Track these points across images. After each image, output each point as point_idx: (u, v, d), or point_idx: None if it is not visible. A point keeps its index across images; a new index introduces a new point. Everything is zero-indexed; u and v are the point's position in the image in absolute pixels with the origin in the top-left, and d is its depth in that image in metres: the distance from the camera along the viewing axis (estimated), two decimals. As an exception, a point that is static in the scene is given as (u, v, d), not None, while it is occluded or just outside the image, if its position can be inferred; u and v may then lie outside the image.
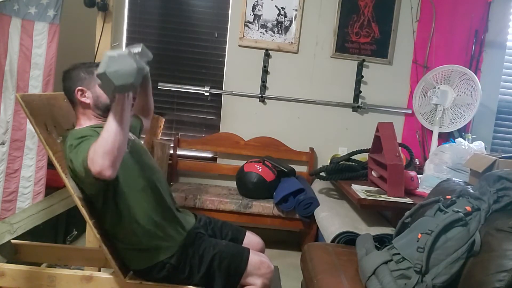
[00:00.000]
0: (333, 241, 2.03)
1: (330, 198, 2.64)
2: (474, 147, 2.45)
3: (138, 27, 3.09)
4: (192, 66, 3.15)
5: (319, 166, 3.05)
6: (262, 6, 3.04)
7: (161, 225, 1.42)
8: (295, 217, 2.68)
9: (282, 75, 3.12)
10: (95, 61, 1.45)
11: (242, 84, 3.11)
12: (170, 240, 1.42)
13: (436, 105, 2.87)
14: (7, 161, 2.18)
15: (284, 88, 3.13)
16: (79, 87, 1.40)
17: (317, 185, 2.90)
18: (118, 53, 1.14)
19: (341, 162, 2.54)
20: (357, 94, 3.14)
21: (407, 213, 1.65)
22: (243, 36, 3.06)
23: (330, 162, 2.69)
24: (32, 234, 1.85)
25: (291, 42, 3.08)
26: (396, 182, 2.08)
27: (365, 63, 3.10)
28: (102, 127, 1.20)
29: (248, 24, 3.05)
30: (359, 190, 2.17)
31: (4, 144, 2.17)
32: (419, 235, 1.41)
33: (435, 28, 3.06)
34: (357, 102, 3.15)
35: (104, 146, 1.13)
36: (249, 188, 2.77)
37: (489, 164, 1.88)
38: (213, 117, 3.21)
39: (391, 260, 1.45)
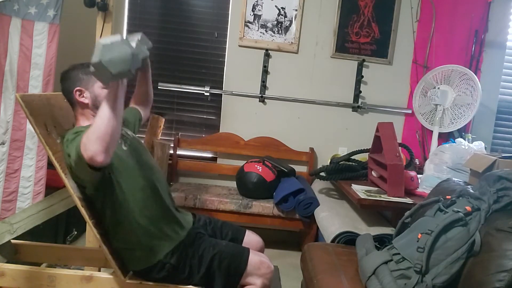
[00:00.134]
0: (333, 241, 2.03)
1: (330, 198, 2.64)
2: (474, 147, 2.45)
3: (138, 27, 3.09)
4: (192, 66, 3.15)
5: (319, 166, 3.05)
6: (262, 6, 3.04)
7: (159, 225, 1.42)
8: (295, 217, 2.68)
9: (282, 75, 3.12)
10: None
11: (242, 84, 3.11)
12: (168, 240, 1.42)
13: (436, 105, 2.86)
14: (7, 161, 2.18)
15: (284, 88, 3.13)
16: (78, 88, 1.40)
17: (317, 185, 2.90)
18: (111, 40, 1.12)
19: (341, 162, 2.54)
20: (357, 94, 3.14)
21: (407, 213, 1.65)
22: (243, 36, 3.06)
23: (330, 162, 2.69)
24: (32, 234, 1.85)
25: (291, 42, 3.08)
26: (396, 182, 2.08)
27: (365, 63, 3.10)
28: None
29: (248, 24, 3.05)
30: (359, 190, 2.17)
31: (4, 144, 2.17)
32: (419, 235, 1.41)
33: (435, 28, 3.06)
34: (357, 102, 3.15)
35: (96, 132, 1.12)
36: (249, 188, 2.77)
37: (489, 164, 1.88)
38: (213, 117, 3.21)
39: (391, 260, 1.45)
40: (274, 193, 2.75)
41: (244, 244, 1.63)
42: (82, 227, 2.55)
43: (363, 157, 2.69)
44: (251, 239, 1.68)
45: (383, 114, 3.17)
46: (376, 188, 2.25)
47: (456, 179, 1.85)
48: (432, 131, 2.93)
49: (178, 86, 3.10)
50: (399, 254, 1.44)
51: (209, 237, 1.54)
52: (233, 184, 2.98)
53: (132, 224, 1.38)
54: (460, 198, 1.49)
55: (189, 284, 1.42)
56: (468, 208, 1.38)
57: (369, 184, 2.37)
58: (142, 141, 2.10)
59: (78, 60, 1.48)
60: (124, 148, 1.45)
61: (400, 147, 2.19)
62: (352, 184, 2.29)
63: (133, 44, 1.35)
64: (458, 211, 1.38)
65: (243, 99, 3.12)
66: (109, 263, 1.42)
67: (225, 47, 3.11)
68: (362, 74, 3.10)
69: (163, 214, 1.45)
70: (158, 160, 2.74)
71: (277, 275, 2.42)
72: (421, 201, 1.70)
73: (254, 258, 1.45)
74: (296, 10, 3.05)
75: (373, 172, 2.40)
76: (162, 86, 3.08)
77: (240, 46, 3.07)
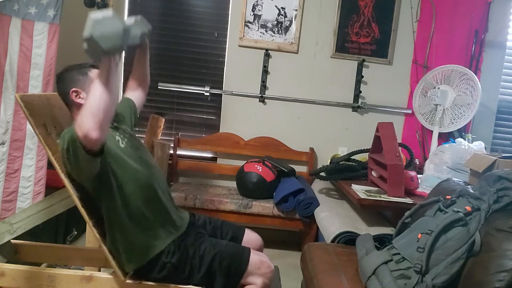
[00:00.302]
0: (333, 241, 2.03)
1: (330, 198, 2.64)
2: (474, 147, 2.45)
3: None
4: (192, 66, 3.15)
5: (319, 166, 3.05)
6: (262, 6, 3.04)
7: (154, 225, 1.42)
8: (295, 217, 2.68)
9: (282, 75, 3.12)
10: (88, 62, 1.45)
11: (242, 84, 3.11)
12: (160, 240, 1.41)
13: (436, 105, 2.86)
14: (7, 161, 2.18)
15: (284, 88, 3.13)
16: (74, 88, 1.40)
17: (317, 185, 2.90)
18: (103, 15, 1.10)
19: (341, 162, 2.54)
20: (357, 94, 3.14)
21: (407, 213, 1.65)
22: (243, 36, 3.06)
23: (330, 162, 2.69)
24: (32, 234, 1.85)
25: (291, 42, 3.08)
26: (396, 182, 2.08)
27: (365, 63, 3.10)
28: None
29: (248, 24, 3.05)
30: (359, 190, 2.17)
31: (4, 144, 2.17)
32: (419, 235, 1.41)
33: (435, 28, 3.06)
34: (357, 102, 3.15)
35: (89, 109, 1.13)
36: (249, 188, 2.77)
37: (489, 164, 1.88)
38: (213, 117, 3.21)
39: (391, 260, 1.45)
40: (274, 193, 2.75)
41: (243, 243, 1.63)
42: (82, 227, 2.56)
43: (363, 157, 2.69)
44: (250, 237, 1.68)
45: (383, 114, 3.17)
46: (376, 188, 2.25)
47: (456, 179, 1.85)
48: (432, 131, 2.93)
49: (178, 86, 3.10)
50: (399, 254, 1.45)
51: (209, 236, 1.54)
52: (233, 184, 2.98)
53: (127, 222, 1.38)
54: (460, 198, 1.49)
55: (189, 284, 1.42)
56: (468, 208, 1.38)
57: (369, 184, 2.37)
58: (142, 141, 2.10)
59: (78, 60, 1.48)
60: (122, 145, 1.45)
61: (400, 147, 2.19)
62: (352, 184, 2.29)
63: (130, 22, 1.34)
64: (458, 211, 1.38)
65: (243, 99, 3.12)
66: (109, 263, 1.41)
67: (225, 47, 3.11)
68: (362, 74, 3.10)
69: (159, 213, 1.45)
70: (158, 160, 2.74)
71: (277, 275, 2.42)
72: (421, 201, 1.70)
73: (255, 257, 1.45)
74: (296, 10, 3.05)
75: (373, 172, 2.40)
76: (162, 86, 3.08)
77: (240, 46, 3.07)
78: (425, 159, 2.81)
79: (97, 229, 1.38)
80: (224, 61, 3.13)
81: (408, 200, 2.04)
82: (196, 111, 3.21)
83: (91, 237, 2.02)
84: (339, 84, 3.14)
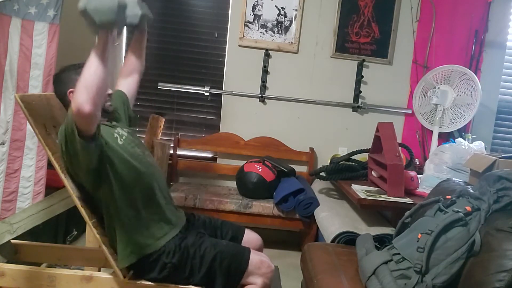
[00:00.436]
0: (333, 241, 2.03)
1: (330, 198, 2.64)
2: (474, 147, 2.45)
3: (138, 27, 3.09)
4: (192, 66, 3.15)
5: (319, 166, 3.05)
6: (262, 6, 3.04)
7: (149, 222, 1.42)
8: (295, 217, 2.68)
9: (282, 75, 3.12)
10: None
11: (242, 84, 3.11)
12: (152, 238, 1.41)
13: (436, 105, 2.86)
14: (7, 161, 2.18)
15: (284, 88, 3.13)
16: (71, 89, 1.40)
17: (317, 185, 2.90)
18: None
19: (341, 162, 2.53)
20: (357, 94, 3.14)
21: (407, 213, 1.65)
22: (243, 36, 3.06)
23: (330, 162, 2.69)
24: (32, 234, 1.85)
25: (291, 42, 3.08)
26: (396, 182, 2.08)
27: (365, 63, 3.10)
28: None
29: (248, 24, 3.05)
30: (359, 190, 2.17)
31: (4, 144, 2.17)
32: (419, 235, 1.41)
33: (435, 28, 3.06)
34: (357, 102, 3.15)
35: (82, 82, 1.15)
36: (249, 188, 2.77)
37: (489, 164, 1.88)
38: (213, 117, 3.21)
39: (391, 260, 1.45)
40: (274, 193, 2.75)
41: (243, 243, 1.63)
42: (82, 227, 2.55)
43: (363, 157, 2.69)
44: (250, 237, 1.68)
45: (383, 114, 3.17)
46: (376, 188, 2.25)
47: (456, 179, 1.85)
48: (432, 131, 2.92)
49: (178, 86, 3.10)
50: (399, 254, 1.45)
51: (209, 236, 1.54)
52: (233, 184, 2.98)
53: (124, 218, 1.38)
54: (460, 198, 1.49)
55: (189, 284, 1.42)
56: (468, 208, 1.38)
57: (369, 184, 2.37)
58: (142, 141, 2.10)
59: (78, 60, 1.48)
60: (120, 142, 1.45)
61: (400, 147, 2.19)
62: (352, 184, 2.29)
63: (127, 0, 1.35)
64: (458, 211, 1.38)
65: (243, 99, 3.12)
66: (109, 263, 1.42)
67: (225, 47, 3.11)
68: (362, 74, 3.10)
69: (155, 211, 1.45)
70: (158, 160, 2.74)
71: (277, 275, 2.42)
72: (421, 201, 1.70)
73: (255, 257, 1.45)
74: (296, 10, 3.05)
75: (373, 172, 2.40)
76: (162, 86, 3.08)
77: (240, 46, 3.07)
78: (425, 159, 2.81)
79: (97, 229, 1.38)
80: (224, 61, 3.13)
81: (408, 200, 2.04)
82: (196, 111, 3.21)
83: (91, 237, 2.02)
84: (339, 84, 3.14)
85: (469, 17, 3.04)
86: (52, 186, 2.21)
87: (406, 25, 3.10)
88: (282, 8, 3.04)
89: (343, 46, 3.10)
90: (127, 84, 1.71)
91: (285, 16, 3.05)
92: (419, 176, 2.33)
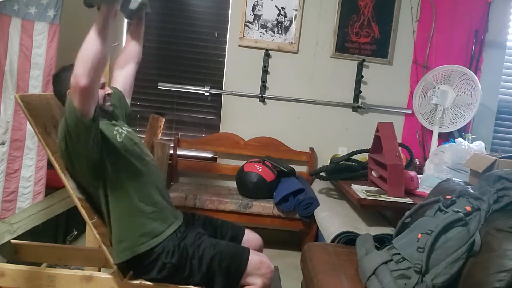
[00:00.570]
0: (333, 241, 2.03)
1: (330, 198, 2.64)
2: (474, 147, 2.45)
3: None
4: (192, 66, 3.15)
5: (319, 166, 3.05)
6: (262, 6, 3.04)
7: (147, 220, 1.42)
8: (295, 217, 2.68)
9: (282, 75, 3.12)
10: None
11: (242, 84, 3.11)
12: (147, 236, 1.41)
13: (436, 105, 2.86)
14: (7, 161, 2.18)
15: (284, 88, 3.13)
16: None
17: (317, 185, 2.90)
18: None
19: (341, 162, 2.53)
20: (357, 94, 3.14)
21: (407, 213, 1.65)
22: (243, 36, 3.06)
23: (330, 162, 2.69)
24: (32, 234, 1.85)
25: (291, 42, 3.08)
26: (396, 182, 2.08)
27: (365, 63, 3.10)
28: None
29: (248, 24, 3.05)
30: (359, 190, 2.17)
31: (4, 144, 2.17)
32: (419, 235, 1.41)
33: (435, 28, 3.06)
34: (357, 102, 3.15)
35: (80, 55, 1.18)
36: (249, 188, 2.77)
37: (489, 164, 1.88)
38: (213, 117, 3.21)
39: (391, 260, 1.45)
40: (274, 193, 2.75)
41: (243, 243, 1.63)
42: (82, 227, 2.55)
43: (363, 157, 2.69)
44: (250, 237, 1.68)
45: (383, 114, 3.17)
46: (376, 188, 2.25)
47: (456, 179, 1.85)
48: (432, 131, 2.92)
49: (178, 86, 3.10)
50: (399, 254, 1.45)
51: (209, 236, 1.54)
52: (233, 184, 2.98)
53: (121, 215, 1.39)
54: (460, 198, 1.49)
55: (189, 284, 1.42)
56: (468, 208, 1.38)
57: (369, 184, 2.37)
58: (142, 141, 2.10)
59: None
60: (119, 139, 1.45)
61: (400, 147, 2.19)
62: (352, 184, 2.29)
63: None
64: (458, 211, 1.38)
65: (243, 99, 3.12)
66: (109, 263, 1.42)
67: (225, 47, 3.11)
68: (362, 74, 3.10)
69: (152, 210, 1.45)
70: (158, 160, 2.74)
71: (277, 275, 2.42)
72: (421, 201, 1.70)
73: (254, 258, 1.45)
74: (296, 10, 3.05)
75: (373, 172, 2.40)
76: (162, 86, 3.08)
77: (240, 46, 3.07)
78: (425, 159, 2.80)
79: (97, 229, 1.38)
80: (224, 61, 3.13)
81: (408, 200, 2.04)
82: (196, 111, 3.21)
83: (91, 237, 2.03)
84: (339, 84, 3.14)
85: (469, 17, 3.04)
86: (52, 186, 2.21)
87: (406, 25, 3.10)
88: (282, 8, 3.04)
89: (343, 46, 3.10)
90: (123, 77, 1.70)
91: (285, 16, 3.05)
92: (419, 176, 2.33)
